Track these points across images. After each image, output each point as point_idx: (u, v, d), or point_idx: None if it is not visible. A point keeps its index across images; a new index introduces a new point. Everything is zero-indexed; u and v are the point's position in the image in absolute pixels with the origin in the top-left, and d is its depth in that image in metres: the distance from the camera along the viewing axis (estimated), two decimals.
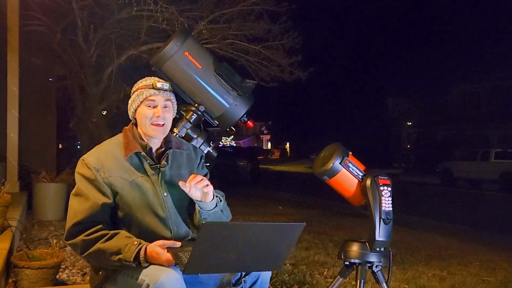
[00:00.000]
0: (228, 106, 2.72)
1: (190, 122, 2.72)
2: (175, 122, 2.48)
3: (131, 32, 9.21)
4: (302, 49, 9.78)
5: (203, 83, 2.69)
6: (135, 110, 2.11)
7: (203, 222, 1.80)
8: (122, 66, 9.38)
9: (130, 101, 2.13)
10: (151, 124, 2.07)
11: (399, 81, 38.45)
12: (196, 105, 2.74)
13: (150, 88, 2.09)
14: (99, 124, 9.45)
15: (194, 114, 2.74)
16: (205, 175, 2.27)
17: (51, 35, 9.10)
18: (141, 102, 2.09)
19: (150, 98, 2.08)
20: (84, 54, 9.18)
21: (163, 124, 2.09)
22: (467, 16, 43.04)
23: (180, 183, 1.99)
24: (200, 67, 2.66)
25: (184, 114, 2.74)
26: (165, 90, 2.11)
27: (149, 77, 2.17)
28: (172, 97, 2.16)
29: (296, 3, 9.47)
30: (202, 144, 2.72)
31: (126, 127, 2.17)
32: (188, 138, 2.69)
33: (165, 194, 2.07)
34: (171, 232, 2.06)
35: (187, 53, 2.64)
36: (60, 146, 15.40)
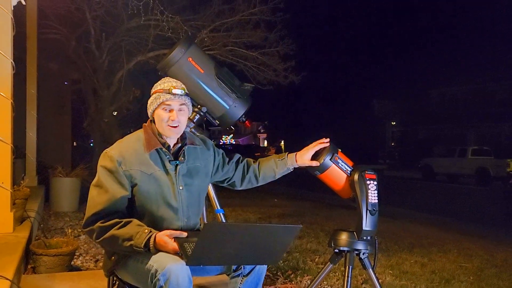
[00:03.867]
0: (228, 107, 2.72)
1: (193, 122, 2.72)
2: None
3: (139, 40, 9.23)
4: (296, 55, 9.84)
5: (205, 86, 2.69)
6: (153, 111, 2.08)
7: (205, 222, 1.80)
8: (131, 71, 9.40)
9: (149, 102, 2.09)
10: (167, 125, 2.05)
11: (384, 84, 38.47)
12: (199, 106, 2.74)
13: (166, 93, 2.04)
14: (110, 124, 9.46)
15: (197, 114, 2.74)
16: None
17: (67, 43, 9.12)
18: (158, 105, 2.06)
19: (166, 102, 2.04)
20: (97, 60, 9.19)
21: (177, 126, 2.06)
22: (448, 24, 43.04)
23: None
24: (202, 71, 2.66)
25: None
26: (181, 95, 2.06)
27: (167, 79, 2.12)
28: (187, 101, 2.10)
29: (290, 13, 9.49)
30: None
31: (145, 124, 2.14)
32: None
33: (180, 188, 2.06)
34: (181, 222, 2.06)
35: (190, 59, 2.63)
36: (75, 143, 15.41)
